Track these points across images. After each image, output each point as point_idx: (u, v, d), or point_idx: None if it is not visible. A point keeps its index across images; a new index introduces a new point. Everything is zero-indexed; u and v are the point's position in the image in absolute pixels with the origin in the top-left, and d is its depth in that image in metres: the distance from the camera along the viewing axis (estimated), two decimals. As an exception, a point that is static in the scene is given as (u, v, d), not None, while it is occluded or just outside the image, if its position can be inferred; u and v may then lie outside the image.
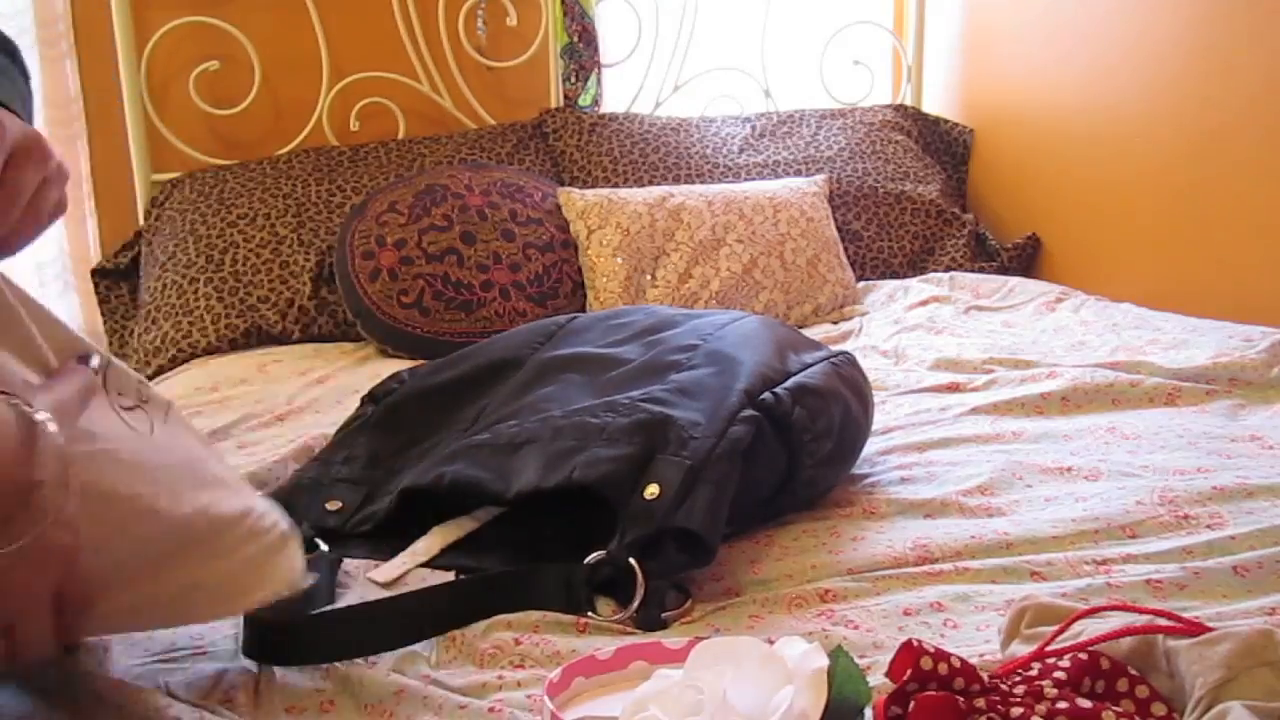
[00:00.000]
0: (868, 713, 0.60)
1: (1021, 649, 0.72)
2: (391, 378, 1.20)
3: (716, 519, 0.89)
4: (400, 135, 2.29)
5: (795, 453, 1.01)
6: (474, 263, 1.93)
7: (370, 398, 1.17)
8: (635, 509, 0.89)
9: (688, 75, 2.46)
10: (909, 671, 0.63)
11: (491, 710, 0.73)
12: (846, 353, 1.17)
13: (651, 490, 0.89)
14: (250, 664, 0.80)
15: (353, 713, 0.75)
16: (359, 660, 0.80)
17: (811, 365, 1.10)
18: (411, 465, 1.05)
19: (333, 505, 1.03)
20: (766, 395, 1.01)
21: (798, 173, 2.28)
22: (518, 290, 1.94)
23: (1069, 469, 1.13)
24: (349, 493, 1.04)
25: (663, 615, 0.87)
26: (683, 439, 0.93)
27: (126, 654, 0.82)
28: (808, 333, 1.70)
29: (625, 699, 0.60)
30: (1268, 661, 0.64)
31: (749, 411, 0.98)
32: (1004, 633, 0.75)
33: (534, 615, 0.87)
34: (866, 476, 1.15)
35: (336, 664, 0.80)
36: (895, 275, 2.22)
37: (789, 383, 1.04)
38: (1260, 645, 0.64)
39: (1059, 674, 0.65)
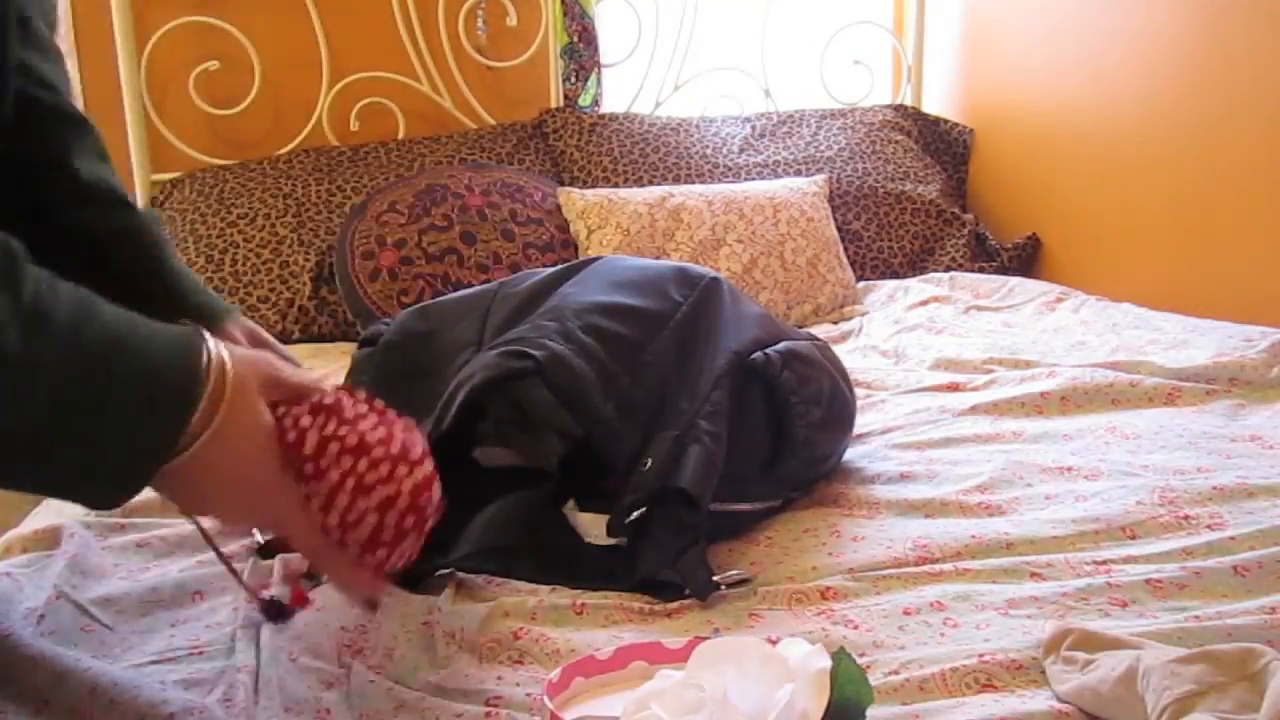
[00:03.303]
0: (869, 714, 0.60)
1: (1059, 668, 0.73)
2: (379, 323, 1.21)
3: (707, 475, 0.95)
4: (400, 135, 2.28)
5: (785, 412, 1.05)
6: (474, 263, 1.93)
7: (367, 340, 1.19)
8: (633, 479, 0.96)
9: (688, 75, 2.46)
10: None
11: (488, 716, 0.73)
12: (818, 338, 1.21)
13: (647, 464, 0.96)
14: (249, 664, 0.80)
15: None
16: (364, 665, 0.80)
17: (797, 339, 1.14)
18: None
19: None
20: (757, 355, 1.06)
21: (798, 173, 2.28)
22: (518, 290, 1.94)
23: (1069, 469, 1.13)
24: None
25: (714, 579, 0.91)
26: (675, 412, 1.00)
27: (126, 654, 0.82)
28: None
29: (625, 699, 0.60)
30: (1247, 675, 0.63)
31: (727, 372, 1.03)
32: (1044, 646, 0.76)
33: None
34: (867, 476, 1.15)
35: (338, 668, 0.79)
36: (895, 275, 2.22)
37: (780, 346, 1.09)
38: (1240, 660, 0.64)
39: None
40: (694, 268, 1.17)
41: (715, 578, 0.91)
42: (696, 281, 1.14)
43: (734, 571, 0.93)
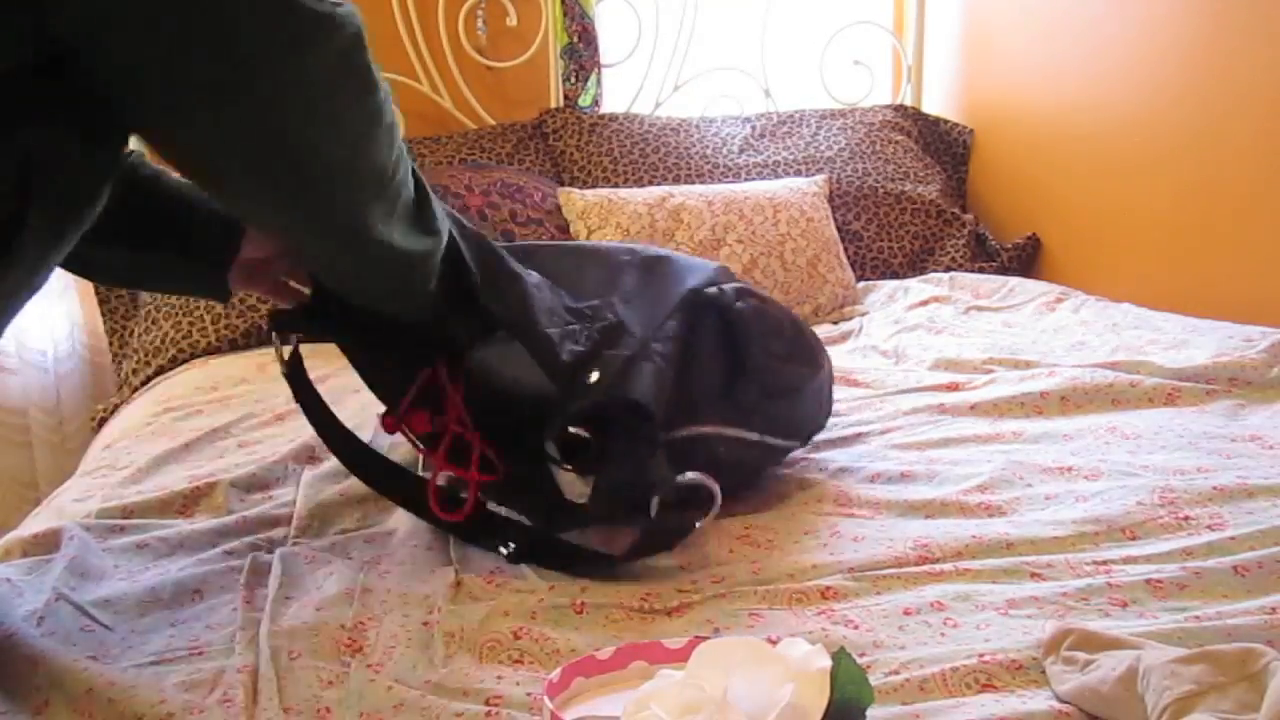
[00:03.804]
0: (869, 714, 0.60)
1: (1059, 668, 0.73)
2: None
3: (658, 389, 0.96)
4: (400, 135, 2.28)
5: (741, 335, 1.07)
6: (474, 263, 1.93)
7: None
8: (578, 390, 0.94)
9: (688, 75, 2.46)
10: None
11: (489, 715, 0.73)
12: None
13: (594, 376, 0.95)
14: (248, 664, 0.80)
15: None
16: (364, 665, 0.80)
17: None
18: None
19: None
20: (711, 289, 1.08)
21: (798, 173, 2.28)
22: (517, 290, 1.94)
23: (1069, 469, 1.13)
24: None
25: (688, 514, 0.94)
26: (626, 337, 1.00)
27: (125, 654, 0.82)
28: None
29: (625, 699, 0.60)
30: (1247, 675, 0.63)
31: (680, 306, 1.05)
32: (1044, 646, 0.76)
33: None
34: (867, 476, 1.15)
35: (338, 668, 0.79)
36: (895, 275, 2.22)
37: (735, 283, 1.11)
38: (1240, 660, 0.64)
39: None
40: (643, 246, 1.20)
41: (678, 479, 0.95)
42: (644, 251, 1.17)
43: (694, 474, 0.96)
